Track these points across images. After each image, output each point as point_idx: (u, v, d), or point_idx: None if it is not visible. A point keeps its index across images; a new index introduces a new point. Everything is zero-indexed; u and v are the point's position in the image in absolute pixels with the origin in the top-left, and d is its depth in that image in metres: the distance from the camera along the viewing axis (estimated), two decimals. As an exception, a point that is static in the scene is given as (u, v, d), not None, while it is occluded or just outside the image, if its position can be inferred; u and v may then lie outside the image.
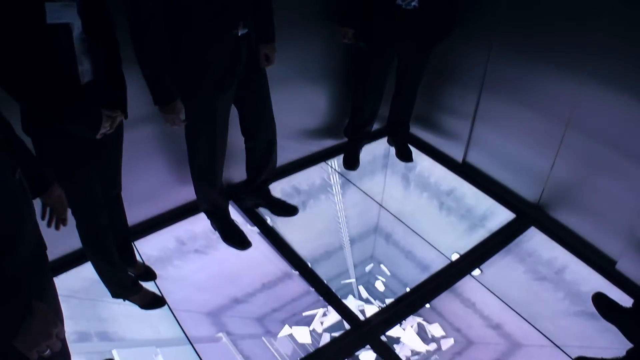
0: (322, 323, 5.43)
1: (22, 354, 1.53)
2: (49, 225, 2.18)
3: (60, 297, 2.19)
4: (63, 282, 3.46)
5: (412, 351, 5.49)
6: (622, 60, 3.05)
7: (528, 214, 4.04)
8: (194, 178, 3.55)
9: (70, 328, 3.53)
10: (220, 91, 3.04)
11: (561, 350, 3.52)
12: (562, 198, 3.78)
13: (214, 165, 3.40)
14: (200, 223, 4.06)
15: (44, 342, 1.55)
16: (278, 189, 4.05)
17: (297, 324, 5.63)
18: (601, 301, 3.26)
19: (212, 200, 3.70)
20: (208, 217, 3.88)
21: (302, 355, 3.38)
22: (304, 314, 5.26)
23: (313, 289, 3.86)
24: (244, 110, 3.46)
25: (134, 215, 3.60)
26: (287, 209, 4.12)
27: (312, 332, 5.43)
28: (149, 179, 3.64)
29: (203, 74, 2.93)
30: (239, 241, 3.89)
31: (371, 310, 5.74)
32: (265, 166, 3.79)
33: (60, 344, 1.62)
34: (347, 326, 3.56)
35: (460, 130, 4.39)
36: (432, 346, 4.96)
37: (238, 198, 4.26)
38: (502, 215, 4.22)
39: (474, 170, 4.47)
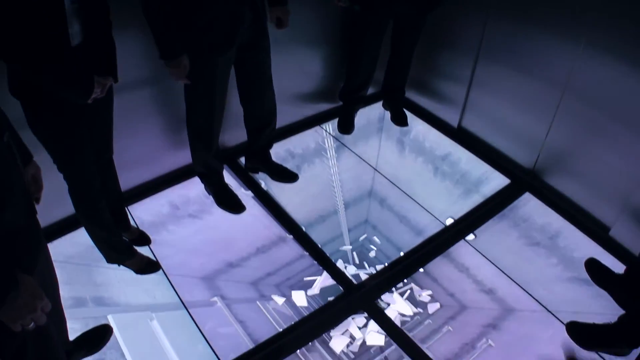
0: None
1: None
2: None
3: (55, 263, 2.18)
4: (58, 248, 3.44)
5: (400, 314, 5.54)
6: (620, 28, 3.01)
7: (523, 180, 4.03)
8: (190, 139, 3.52)
9: (65, 293, 3.53)
10: (221, 52, 2.99)
11: (553, 315, 3.55)
12: (557, 164, 3.77)
13: (210, 126, 3.36)
14: (194, 187, 4.03)
15: (29, 315, 1.54)
16: (272, 152, 4.01)
17: (292, 288, 5.68)
18: (594, 267, 3.27)
19: (206, 163, 3.67)
20: (202, 181, 3.85)
21: (297, 319, 3.39)
22: (305, 279, 5.29)
23: (307, 253, 3.85)
24: (244, 74, 3.40)
25: (128, 180, 3.57)
26: (287, 175, 4.07)
27: (309, 296, 5.47)
28: (142, 143, 3.60)
29: (204, 33, 2.88)
30: (232, 205, 3.87)
31: (365, 275, 5.76)
32: (264, 130, 3.75)
33: (45, 317, 1.61)
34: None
35: (456, 95, 4.35)
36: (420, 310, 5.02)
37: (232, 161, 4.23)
38: (497, 181, 4.21)
39: (469, 136, 4.44)
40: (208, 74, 3.04)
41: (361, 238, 6.65)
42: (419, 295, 5.50)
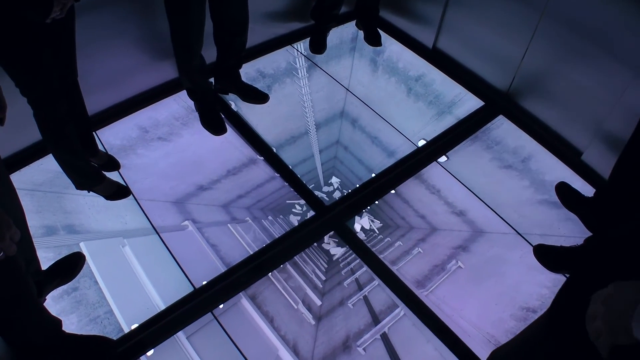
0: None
1: None
2: None
3: (23, 192, 2.12)
4: (25, 176, 3.36)
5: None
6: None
7: (497, 102, 4.00)
8: (174, 50, 3.41)
9: (36, 222, 3.48)
10: None
11: (523, 237, 3.62)
12: (532, 87, 3.74)
13: (188, 37, 3.25)
14: (163, 110, 3.94)
15: None
16: (242, 72, 3.90)
17: (263, 210, 5.69)
18: (564, 190, 3.29)
19: (192, 77, 3.56)
20: (189, 97, 3.74)
21: (269, 242, 3.38)
22: (287, 201, 5.29)
23: (278, 175, 3.81)
24: None
25: (94, 103, 3.46)
26: (257, 96, 3.98)
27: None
28: (108, 65, 3.47)
29: None
30: (214, 126, 3.78)
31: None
32: (234, 42, 3.62)
33: (15, 247, 1.56)
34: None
35: (431, 15, 4.24)
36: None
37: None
38: (471, 103, 4.18)
39: (443, 57, 4.36)
40: None
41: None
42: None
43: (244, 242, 5.04)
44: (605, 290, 1.06)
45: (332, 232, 3.52)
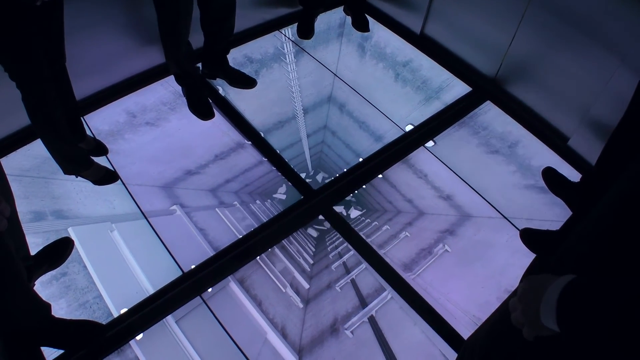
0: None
1: None
2: None
3: (11, 177, 2.12)
4: (13, 161, 3.34)
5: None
6: None
7: (484, 88, 4.02)
8: (161, 35, 3.39)
9: (24, 208, 3.48)
10: None
11: (509, 221, 3.65)
12: (520, 73, 3.75)
13: (176, 26, 3.24)
14: (150, 95, 3.93)
15: None
16: (230, 58, 3.90)
17: (251, 194, 5.69)
18: (551, 176, 3.32)
19: (179, 62, 3.55)
20: (177, 82, 3.73)
21: (257, 225, 3.40)
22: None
23: (266, 159, 3.82)
24: None
25: (82, 88, 3.44)
26: (245, 81, 3.97)
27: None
28: (95, 50, 3.44)
29: None
30: (202, 111, 3.77)
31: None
32: (222, 27, 3.61)
33: (6, 222, 1.56)
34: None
35: (419, 0, 4.25)
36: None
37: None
38: (458, 89, 4.19)
39: (431, 42, 4.37)
40: None
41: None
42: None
43: (232, 226, 5.05)
44: (520, 285, 1.11)
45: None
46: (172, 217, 4.30)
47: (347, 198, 6.76)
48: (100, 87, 3.70)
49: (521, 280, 1.17)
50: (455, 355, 2.78)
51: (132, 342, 3.20)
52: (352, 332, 4.66)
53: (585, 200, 3.05)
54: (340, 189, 3.50)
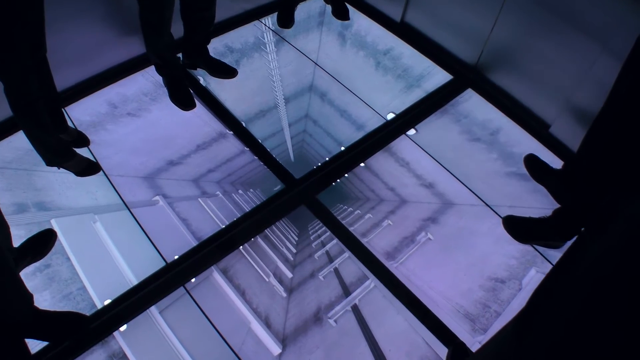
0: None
1: None
2: None
3: (-9, 170, 2.10)
4: (-5, 154, 3.32)
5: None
6: None
7: (465, 76, 4.03)
8: (141, 25, 3.36)
9: (7, 200, 3.45)
10: None
11: (491, 209, 3.68)
12: (501, 61, 3.77)
13: (158, 18, 3.21)
14: (131, 86, 3.90)
15: None
16: (210, 48, 3.87)
17: (233, 184, 5.68)
18: (532, 163, 3.34)
19: (160, 53, 3.52)
20: (157, 72, 3.70)
21: (239, 215, 3.40)
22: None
23: (248, 149, 3.81)
24: None
25: (63, 79, 3.41)
26: (226, 70, 3.95)
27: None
28: (75, 41, 3.41)
29: None
30: (183, 101, 3.74)
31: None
32: (203, 17, 3.59)
33: None
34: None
35: (399, -13, 4.25)
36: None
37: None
38: (439, 76, 4.19)
39: (412, 31, 4.37)
40: None
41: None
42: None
43: (215, 216, 5.04)
44: None
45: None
46: (154, 208, 4.29)
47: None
48: (81, 78, 3.67)
49: None
50: (438, 342, 2.82)
51: (116, 334, 3.19)
52: (335, 320, 4.68)
53: (568, 188, 3.08)
54: (322, 178, 3.50)
